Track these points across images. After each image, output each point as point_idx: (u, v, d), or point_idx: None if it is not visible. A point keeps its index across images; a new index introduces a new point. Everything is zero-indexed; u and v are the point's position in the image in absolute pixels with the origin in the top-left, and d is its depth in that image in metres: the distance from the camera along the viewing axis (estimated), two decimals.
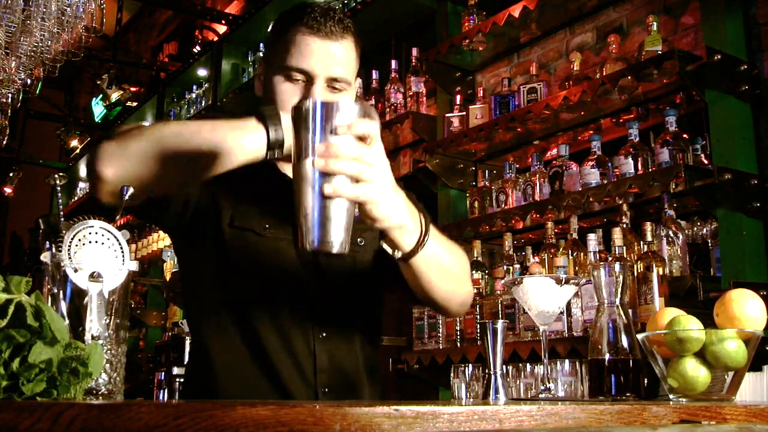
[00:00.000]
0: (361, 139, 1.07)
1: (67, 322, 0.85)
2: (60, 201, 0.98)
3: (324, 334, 1.48)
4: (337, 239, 1.04)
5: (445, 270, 1.39)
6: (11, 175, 7.84)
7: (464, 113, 3.52)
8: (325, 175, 1.03)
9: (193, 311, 1.56)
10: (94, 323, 0.87)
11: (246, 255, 1.47)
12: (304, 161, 1.03)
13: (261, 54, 1.59)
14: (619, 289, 1.39)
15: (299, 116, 1.05)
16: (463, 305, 1.53)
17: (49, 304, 0.85)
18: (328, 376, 1.47)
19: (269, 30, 1.57)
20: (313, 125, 1.03)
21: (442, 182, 3.64)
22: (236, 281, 1.48)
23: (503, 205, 3.24)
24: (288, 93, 1.46)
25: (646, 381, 1.42)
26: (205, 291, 1.52)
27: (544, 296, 1.37)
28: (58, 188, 0.96)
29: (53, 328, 0.78)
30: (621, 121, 3.04)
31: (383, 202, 1.12)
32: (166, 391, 4.05)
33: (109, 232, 0.90)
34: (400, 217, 1.19)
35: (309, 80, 1.47)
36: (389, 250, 1.28)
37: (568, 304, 2.65)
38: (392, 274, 1.41)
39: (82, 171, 7.65)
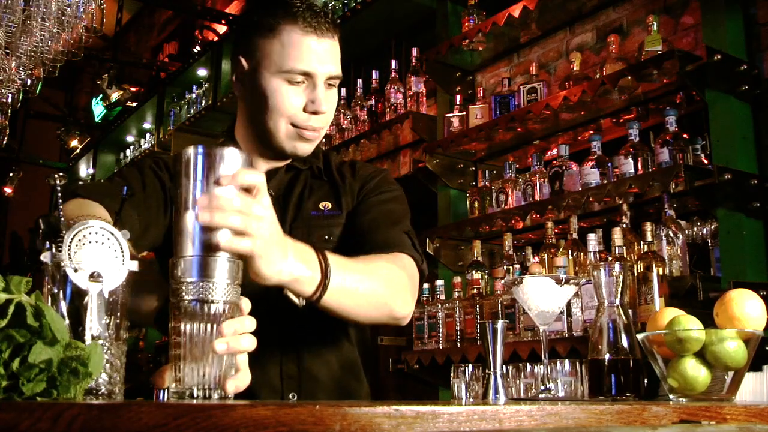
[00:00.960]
0: (247, 190, 0.98)
1: (67, 322, 0.85)
2: (60, 201, 0.97)
3: (290, 341, 1.48)
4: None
5: (363, 297, 1.30)
6: (11, 175, 7.84)
7: (464, 113, 3.52)
8: (208, 230, 0.94)
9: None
10: (94, 323, 0.87)
11: None
12: (184, 214, 0.95)
13: (241, 53, 1.52)
14: (619, 289, 1.39)
15: (180, 165, 0.97)
16: (399, 318, 1.42)
17: (49, 304, 0.85)
18: (296, 383, 1.47)
19: (249, 27, 1.52)
20: (194, 175, 0.95)
21: (442, 182, 3.64)
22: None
23: (503, 205, 3.24)
24: (292, 96, 1.46)
25: (646, 381, 1.42)
26: None
27: (544, 296, 1.37)
28: (58, 188, 0.96)
29: (53, 328, 0.78)
30: (621, 121, 3.04)
31: (273, 257, 1.05)
32: (166, 391, 4.05)
33: (109, 232, 0.90)
34: (292, 269, 1.11)
35: (309, 81, 1.47)
36: (294, 299, 1.19)
37: (568, 304, 2.65)
38: None
39: (82, 171, 7.66)
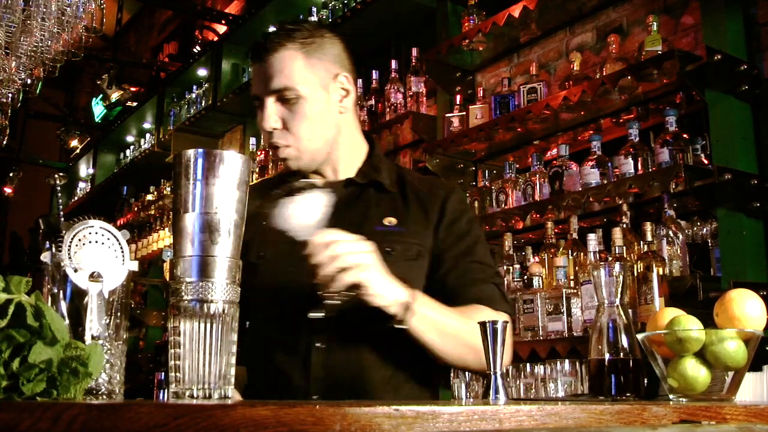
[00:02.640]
0: None
1: (67, 322, 0.85)
2: (60, 201, 0.98)
3: (320, 345, 1.51)
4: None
5: (451, 334, 1.46)
6: (11, 175, 7.84)
7: (464, 113, 3.52)
8: (209, 232, 0.96)
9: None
10: (94, 323, 0.87)
11: (251, 283, 1.57)
12: (184, 215, 0.96)
13: None
14: (619, 289, 1.39)
15: (180, 167, 0.98)
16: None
17: (49, 304, 0.85)
18: (321, 385, 1.49)
19: None
20: (194, 176, 0.96)
21: None
22: (249, 307, 1.61)
23: (503, 205, 3.24)
24: (258, 119, 1.63)
25: (646, 381, 1.42)
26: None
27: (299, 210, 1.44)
28: (58, 188, 0.96)
29: (53, 328, 0.78)
30: (621, 121, 3.04)
31: (384, 283, 1.36)
32: (166, 391, 4.05)
33: (109, 232, 0.90)
34: (396, 294, 1.38)
35: (261, 103, 1.61)
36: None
37: (568, 305, 2.65)
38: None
39: (82, 171, 7.66)
